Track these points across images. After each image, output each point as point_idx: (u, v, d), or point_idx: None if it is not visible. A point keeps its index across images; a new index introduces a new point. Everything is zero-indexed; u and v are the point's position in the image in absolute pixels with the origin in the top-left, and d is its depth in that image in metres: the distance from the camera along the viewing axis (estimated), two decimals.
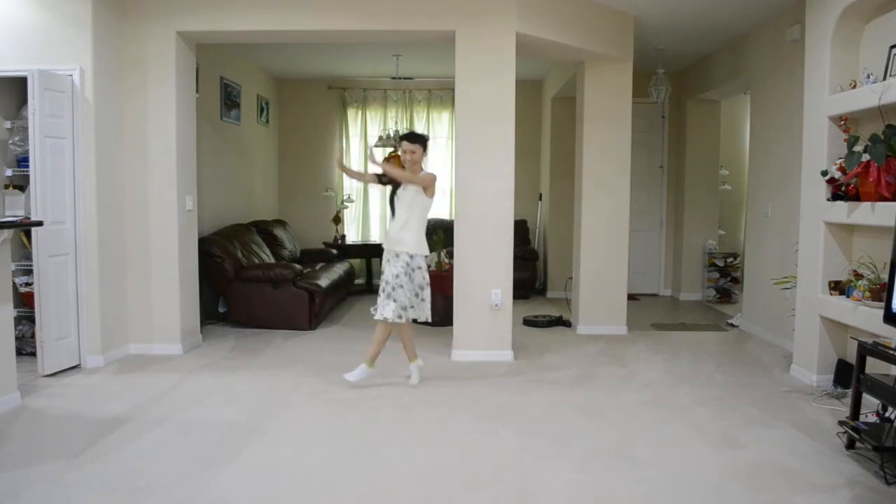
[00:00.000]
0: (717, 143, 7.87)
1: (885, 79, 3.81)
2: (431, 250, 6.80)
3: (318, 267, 7.16)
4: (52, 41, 4.56)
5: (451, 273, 5.20)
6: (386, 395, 4.14)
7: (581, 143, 5.93)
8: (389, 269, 4.27)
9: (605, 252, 5.89)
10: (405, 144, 4.30)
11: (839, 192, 4.13)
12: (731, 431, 3.50)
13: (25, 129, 4.56)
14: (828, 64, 4.22)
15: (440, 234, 6.49)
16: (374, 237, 8.91)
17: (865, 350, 3.23)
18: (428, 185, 4.27)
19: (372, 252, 8.46)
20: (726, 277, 7.68)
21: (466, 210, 5.03)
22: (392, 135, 7.84)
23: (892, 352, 3.08)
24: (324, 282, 6.32)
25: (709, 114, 7.80)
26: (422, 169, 4.37)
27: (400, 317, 4.20)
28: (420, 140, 4.34)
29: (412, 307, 4.27)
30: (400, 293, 4.20)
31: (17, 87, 4.68)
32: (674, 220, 8.16)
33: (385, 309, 4.19)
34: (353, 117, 8.78)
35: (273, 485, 2.86)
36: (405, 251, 4.25)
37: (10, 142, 4.76)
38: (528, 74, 7.95)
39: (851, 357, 3.96)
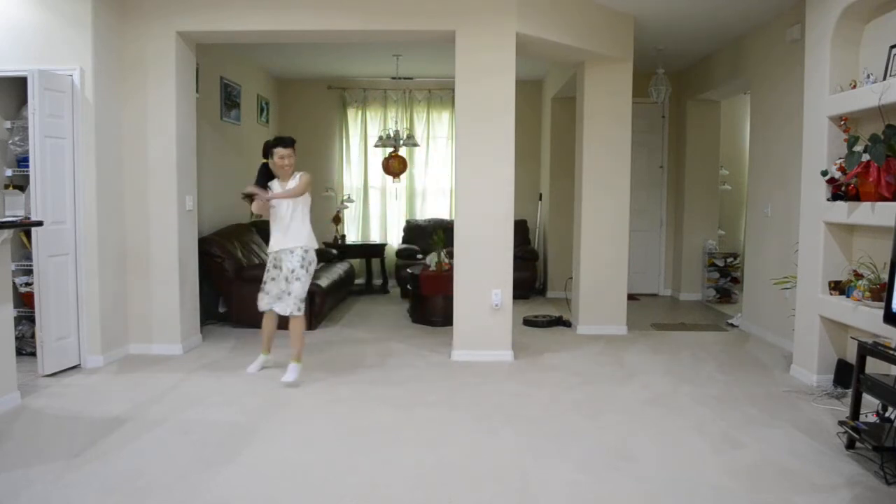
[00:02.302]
0: (717, 143, 7.87)
1: (885, 79, 3.81)
2: (431, 250, 6.84)
3: (318, 267, 7.15)
4: (52, 41, 4.56)
5: (451, 273, 5.19)
6: (386, 395, 4.14)
7: (581, 143, 5.93)
8: (286, 266, 4.38)
9: (605, 252, 5.89)
10: (282, 150, 4.36)
11: (839, 192, 4.13)
12: (731, 431, 3.51)
13: (25, 129, 4.56)
14: (828, 64, 4.22)
15: (440, 234, 6.49)
16: (375, 237, 8.92)
17: (865, 350, 3.23)
18: (307, 188, 4.42)
19: (372, 252, 8.47)
20: (726, 277, 7.68)
21: (466, 210, 5.02)
22: (392, 135, 7.84)
23: (892, 352, 3.08)
24: (324, 282, 6.32)
25: (709, 114, 7.80)
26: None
27: (299, 309, 4.36)
28: (293, 144, 4.43)
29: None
30: (297, 286, 4.35)
31: (17, 87, 4.69)
32: (674, 220, 8.16)
33: (288, 305, 4.34)
34: (353, 117, 8.78)
35: (273, 485, 2.86)
36: (299, 246, 4.37)
37: (10, 142, 4.76)
38: (528, 74, 7.96)
39: (851, 357, 3.96)
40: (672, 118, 8.11)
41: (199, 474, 2.94)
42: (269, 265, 4.52)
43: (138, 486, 2.81)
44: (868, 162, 3.73)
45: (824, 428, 3.54)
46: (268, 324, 4.62)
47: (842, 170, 4.05)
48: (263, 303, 4.52)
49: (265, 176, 4.48)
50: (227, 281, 5.97)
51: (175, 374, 4.53)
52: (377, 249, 8.48)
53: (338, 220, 8.44)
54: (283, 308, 4.38)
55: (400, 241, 8.69)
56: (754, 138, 6.17)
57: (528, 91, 8.33)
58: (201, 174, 5.85)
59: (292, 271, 4.35)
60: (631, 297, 6.67)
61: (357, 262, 8.56)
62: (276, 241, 4.44)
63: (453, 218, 6.34)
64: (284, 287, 4.39)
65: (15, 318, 4.39)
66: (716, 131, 7.86)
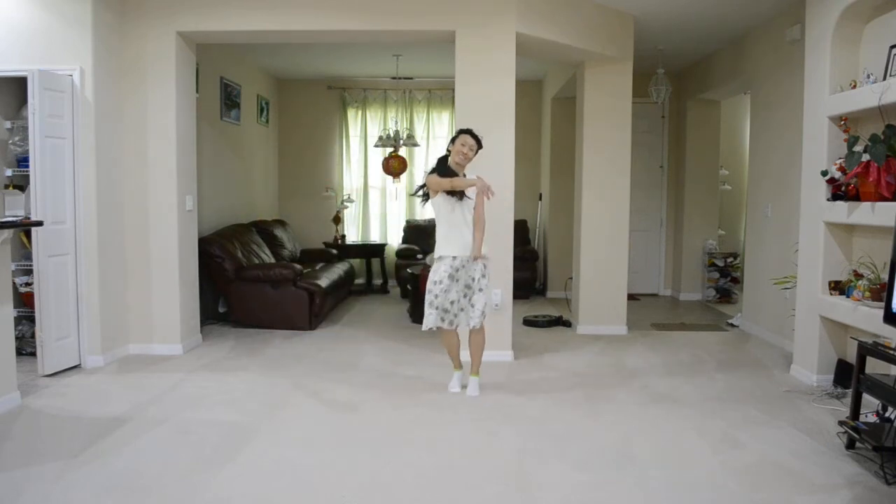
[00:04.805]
0: (717, 143, 7.87)
1: (885, 79, 3.81)
2: (431, 250, 6.83)
3: (318, 267, 7.16)
4: (52, 41, 4.56)
5: None
6: (386, 395, 4.14)
7: (581, 144, 5.93)
8: (467, 275, 4.03)
9: (605, 252, 5.89)
10: (469, 139, 4.02)
11: (839, 192, 4.13)
12: (731, 431, 3.50)
13: (25, 129, 4.56)
14: (828, 64, 4.22)
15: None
16: (375, 237, 8.92)
17: (865, 350, 3.23)
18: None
19: (372, 252, 8.47)
20: (726, 277, 7.68)
21: None
22: (392, 135, 7.84)
23: (892, 352, 3.08)
24: (324, 282, 6.32)
25: (709, 114, 7.80)
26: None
27: (481, 323, 4.06)
28: (480, 143, 4.09)
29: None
30: (481, 297, 4.03)
31: (17, 87, 4.69)
32: (674, 220, 8.16)
33: (474, 318, 4.03)
34: (353, 117, 8.78)
35: (273, 485, 2.86)
36: (483, 253, 4.08)
37: (10, 142, 4.76)
38: (528, 74, 7.96)
39: (851, 357, 3.96)
40: (672, 118, 8.11)
41: (198, 474, 2.94)
42: (441, 275, 4.01)
43: (138, 486, 2.81)
44: (868, 162, 3.73)
45: (824, 428, 3.54)
46: (449, 339, 4.20)
47: (842, 170, 4.05)
48: (433, 320, 4.02)
49: (443, 165, 4.06)
50: (227, 281, 5.97)
51: (175, 374, 4.53)
52: (377, 249, 8.48)
53: (338, 220, 8.44)
54: (471, 321, 4.02)
55: (400, 241, 8.69)
56: (754, 138, 6.17)
57: (528, 91, 8.33)
58: (201, 174, 5.85)
59: (476, 280, 4.00)
60: (631, 297, 6.67)
61: (357, 262, 8.56)
62: (460, 246, 4.00)
63: None
64: (460, 298, 4.04)
65: (15, 318, 4.39)
66: (716, 131, 7.86)
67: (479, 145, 4.10)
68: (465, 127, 4.20)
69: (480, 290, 4.03)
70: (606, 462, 3.11)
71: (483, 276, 4.05)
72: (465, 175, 4.07)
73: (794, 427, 3.56)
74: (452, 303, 4.05)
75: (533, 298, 7.86)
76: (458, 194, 4.01)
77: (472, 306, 4.03)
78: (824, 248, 4.27)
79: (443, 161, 4.11)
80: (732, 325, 6.35)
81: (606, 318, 5.94)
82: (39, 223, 4.12)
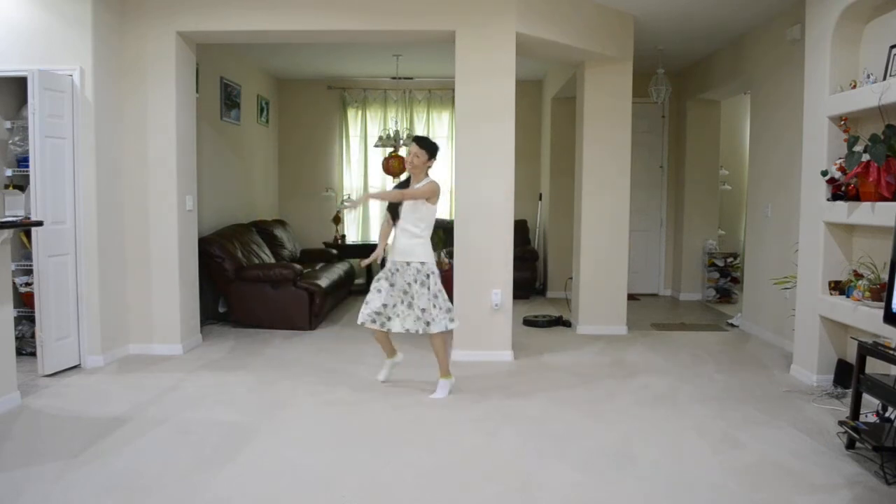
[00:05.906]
0: (717, 143, 7.87)
1: (885, 79, 3.81)
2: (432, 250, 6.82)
3: (318, 267, 7.16)
4: (52, 41, 4.56)
5: (451, 273, 5.19)
6: (385, 395, 4.14)
7: (581, 144, 5.93)
8: (402, 280, 4.11)
9: (605, 252, 5.89)
10: (412, 146, 4.15)
11: (839, 192, 4.13)
12: (731, 431, 3.51)
13: (25, 129, 4.56)
14: (828, 64, 4.22)
15: (440, 234, 6.47)
16: (374, 237, 8.91)
17: (865, 350, 3.23)
18: (429, 196, 4.11)
19: (372, 252, 8.43)
20: (726, 277, 7.68)
21: (466, 210, 5.03)
22: (392, 135, 7.84)
23: (892, 352, 3.08)
24: (324, 282, 6.32)
25: (709, 114, 7.80)
26: (426, 175, 4.16)
27: (429, 324, 4.05)
28: (427, 146, 4.13)
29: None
30: (423, 302, 4.04)
31: (17, 87, 4.69)
32: (674, 220, 8.16)
33: (417, 324, 4.06)
34: (353, 117, 8.78)
35: (273, 485, 2.86)
36: (418, 261, 4.08)
37: (10, 142, 4.76)
38: (528, 74, 7.96)
39: (851, 357, 3.96)
40: (672, 118, 8.11)
41: (199, 474, 2.94)
42: (380, 274, 4.18)
43: (138, 486, 2.81)
44: (868, 162, 3.73)
45: (824, 428, 3.54)
46: (378, 335, 4.26)
47: (842, 170, 4.05)
48: (364, 314, 4.12)
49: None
50: (227, 281, 5.97)
51: (175, 374, 4.53)
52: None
53: (338, 220, 8.44)
54: (408, 326, 4.05)
55: None
56: (754, 138, 6.17)
57: (528, 91, 8.33)
58: (201, 174, 5.85)
59: (411, 285, 4.05)
60: (631, 297, 6.67)
61: (357, 262, 8.55)
62: (396, 251, 4.12)
63: (453, 218, 6.34)
64: (396, 303, 4.09)
65: (15, 318, 4.39)
66: (716, 131, 7.86)
67: (428, 150, 4.12)
68: (418, 136, 4.30)
69: (421, 295, 4.01)
70: (606, 462, 3.11)
71: (416, 281, 4.04)
72: (425, 178, 4.14)
73: (794, 427, 3.56)
74: (385, 306, 4.11)
75: (533, 298, 7.86)
76: (394, 205, 4.16)
77: (423, 310, 4.01)
78: (824, 248, 4.27)
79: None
80: (732, 325, 6.35)
81: (606, 318, 5.94)
82: (39, 223, 4.12)
